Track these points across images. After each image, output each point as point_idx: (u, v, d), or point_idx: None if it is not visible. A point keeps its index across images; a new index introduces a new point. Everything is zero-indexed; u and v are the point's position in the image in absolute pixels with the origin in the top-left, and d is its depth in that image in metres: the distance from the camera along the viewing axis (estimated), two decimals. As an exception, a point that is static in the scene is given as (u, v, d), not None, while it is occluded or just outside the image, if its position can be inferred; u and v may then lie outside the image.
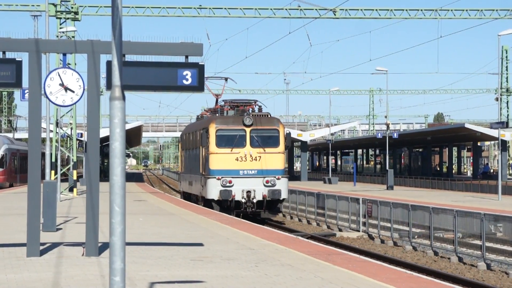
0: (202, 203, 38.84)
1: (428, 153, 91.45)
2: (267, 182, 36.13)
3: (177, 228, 25.47)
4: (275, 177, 36.29)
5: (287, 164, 77.18)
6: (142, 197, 46.82)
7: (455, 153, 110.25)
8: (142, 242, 20.50)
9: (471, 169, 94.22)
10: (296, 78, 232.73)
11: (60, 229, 24.38)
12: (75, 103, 17.34)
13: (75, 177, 48.38)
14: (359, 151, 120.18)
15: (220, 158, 36.47)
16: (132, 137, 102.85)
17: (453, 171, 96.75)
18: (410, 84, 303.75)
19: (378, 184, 73.66)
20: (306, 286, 13.76)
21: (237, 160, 36.43)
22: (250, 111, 38.30)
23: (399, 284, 14.13)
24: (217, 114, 39.15)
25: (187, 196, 45.87)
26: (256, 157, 36.42)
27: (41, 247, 17.92)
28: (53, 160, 44.16)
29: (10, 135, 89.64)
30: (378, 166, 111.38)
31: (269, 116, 38.21)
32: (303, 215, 39.91)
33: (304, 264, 16.65)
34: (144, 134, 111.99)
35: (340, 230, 34.04)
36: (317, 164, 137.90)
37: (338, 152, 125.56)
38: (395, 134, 70.48)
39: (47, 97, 17.34)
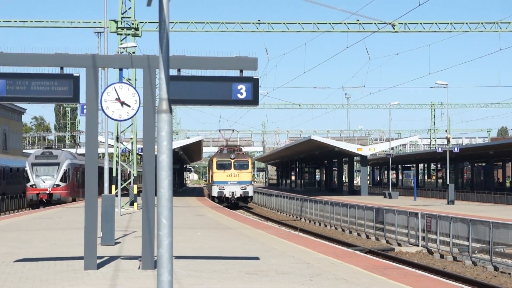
0: (210, 198, 69.81)
1: (491, 167, 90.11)
2: (242, 187, 65.54)
3: (234, 242, 25.53)
4: (246, 185, 65.76)
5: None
6: (202, 212, 47.05)
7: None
8: (199, 256, 20.59)
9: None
10: (355, 92, 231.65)
11: (119, 242, 24.62)
12: (131, 117, 17.53)
13: (135, 192, 48.76)
14: (420, 165, 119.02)
15: (218, 175, 66.07)
16: (193, 151, 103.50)
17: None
18: (471, 98, 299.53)
19: (439, 199, 72.87)
20: (360, 300, 13.67)
21: (227, 176, 65.75)
22: (235, 150, 67.70)
23: (455, 299, 13.96)
24: (222, 151, 68.62)
25: (208, 195, 77.99)
26: (236, 175, 65.79)
27: (99, 260, 18.12)
28: (114, 174, 44.67)
29: (73, 150, 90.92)
30: (440, 181, 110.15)
31: (244, 153, 69.32)
32: (362, 230, 39.68)
33: (359, 278, 16.55)
34: (204, 149, 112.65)
35: (399, 244, 33.74)
36: (378, 178, 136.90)
37: (399, 166, 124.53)
38: (456, 148, 69.72)
39: (103, 111, 17.56)
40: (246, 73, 17.15)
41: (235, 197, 65.47)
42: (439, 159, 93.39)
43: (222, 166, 66.12)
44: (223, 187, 65.36)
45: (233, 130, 79.02)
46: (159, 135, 8.00)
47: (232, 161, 65.86)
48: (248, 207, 69.13)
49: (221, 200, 65.29)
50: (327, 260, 20.22)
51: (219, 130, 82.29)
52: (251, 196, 67.54)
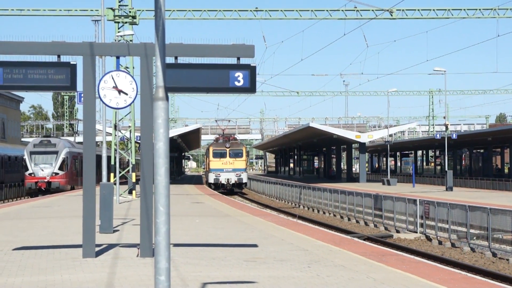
0: (207, 184, 74.22)
1: (489, 154, 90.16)
2: (236, 174, 69.78)
3: (233, 229, 25.56)
4: (241, 172, 70.10)
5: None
6: (200, 199, 47.08)
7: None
8: (197, 243, 20.62)
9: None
10: (353, 79, 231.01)
11: (117, 230, 24.64)
12: (128, 105, 17.53)
13: (134, 180, 48.76)
14: (419, 152, 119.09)
15: (215, 163, 70.50)
16: (191, 139, 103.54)
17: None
18: (469, 84, 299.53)
19: (438, 186, 72.95)
20: (358, 286, 13.70)
21: (222, 164, 70.11)
22: (231, 140, 72.73)
23: (452, 285, 13.98)
24: (217, 141, 73.98)
25: (205, 182, 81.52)
26: (231, 163, 70.14)
27: (97, 248, 18.14)
28: (112, 163, 44.66)
29: (71, 138, 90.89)
30: (438, 167, 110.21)
31: (238, 142, 74.80)
32: (361, 217, 39.71)
33: (357, 265, 16.58)
34: (203, 137, 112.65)
35: (397, 231, 33.77)
36: (376, 165, 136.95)
37: (398, 153, 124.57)
38: (454, 135, 69.73)
39: (101, 99, 17.55)
40: (243, 61, 17.15)
41: (230, 183, 70.16)
42: (438, 146, 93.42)
43: (218, 155, 70.87)
44: (219, 174, 70.04)
45: (229, 120, 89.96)
46: (156, 122, 8.00)
47: (227, 150, 70.56)
48: (242, 193, 72.56)
49: (217, 186, 70.09)
50: (326, 247, 20.25)
51: (216, 120, 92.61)
52: (245, 183, 72.60)
